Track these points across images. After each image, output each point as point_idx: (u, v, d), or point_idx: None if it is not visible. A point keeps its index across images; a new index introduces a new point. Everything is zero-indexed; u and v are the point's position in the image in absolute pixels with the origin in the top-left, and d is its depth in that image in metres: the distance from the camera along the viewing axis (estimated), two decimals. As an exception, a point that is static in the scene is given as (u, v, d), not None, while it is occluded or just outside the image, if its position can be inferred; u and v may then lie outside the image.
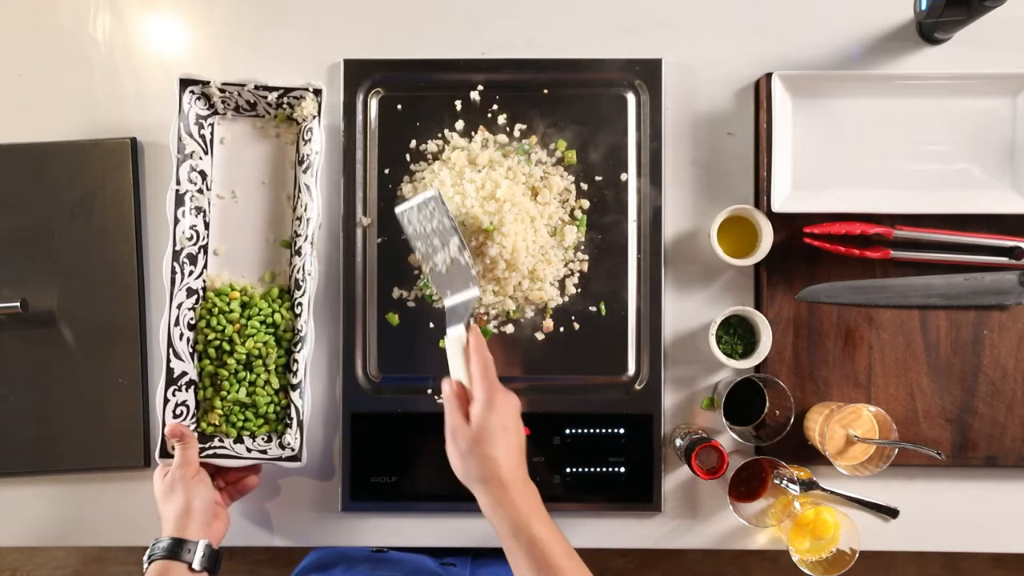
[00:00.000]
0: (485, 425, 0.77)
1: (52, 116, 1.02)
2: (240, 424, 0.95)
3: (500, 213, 0.93)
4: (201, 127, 0.98)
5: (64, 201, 0.99)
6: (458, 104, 0.99)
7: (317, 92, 0.95)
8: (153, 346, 0.99)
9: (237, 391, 0.95)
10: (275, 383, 0.95)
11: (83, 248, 0.99)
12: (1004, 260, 0.96)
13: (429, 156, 0.99)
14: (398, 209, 0.90)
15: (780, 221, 0.96)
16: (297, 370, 0.94)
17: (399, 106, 0.99)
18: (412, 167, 0.99)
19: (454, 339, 0.83)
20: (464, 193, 0.94)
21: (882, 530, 0.97)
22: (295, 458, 0.92)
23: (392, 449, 0.98)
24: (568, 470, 0.97)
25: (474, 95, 0.99)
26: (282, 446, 0.95)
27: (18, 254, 0.99)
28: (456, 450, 0.79)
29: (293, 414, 0.94)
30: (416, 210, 0.89)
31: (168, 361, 0.93)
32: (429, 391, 0.98)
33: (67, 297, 0.99)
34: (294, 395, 0.94)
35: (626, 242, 0.98)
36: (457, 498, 0.97)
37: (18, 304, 0.96)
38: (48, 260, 0.99)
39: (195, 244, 0.96)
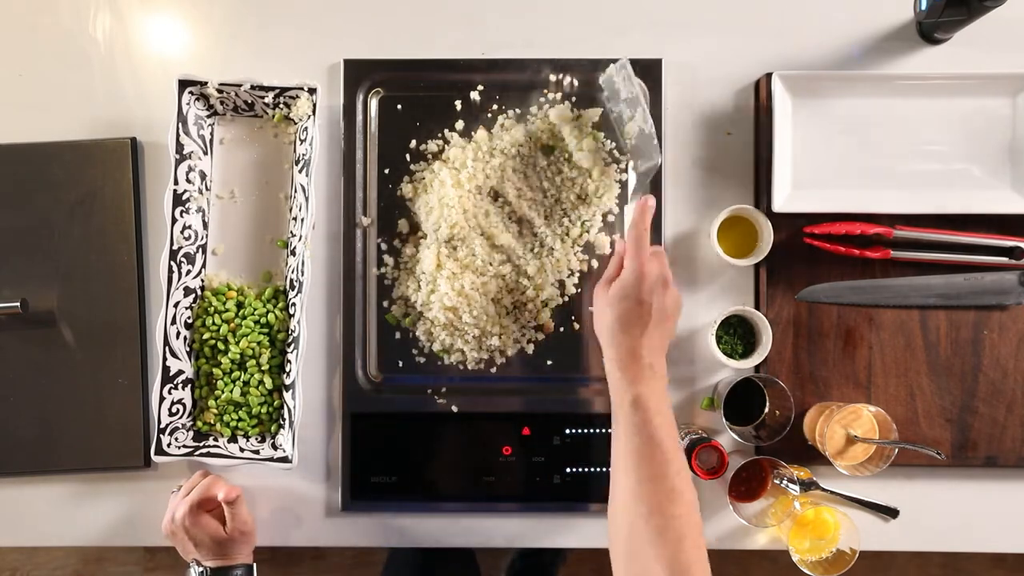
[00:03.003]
0: (626, 291, 0.81)
1: (52, 116, 1.02)
2: (234, 424, 0.96)
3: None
4: (200, 127, 0.98)
5: (64, 201, 0.99)
6: (458, 104, 0.99)
7: (312, 91, 0.95)
8: (153, 346, 0.99)
9: (231, 390, 0.95)
10: (268, 383, 0.95)
11: (83, 248, 0.99)
12: (1004, 260, 0.96)
13: (429, 156, 0.99)
14: (606, 74, 0.96)
15: (780, 221, 0.95)
16: (290, 370, 0.94)
17: (399, 106, 0.99)
18: (412, 167, 0.99)
19: (635, 203, 0.87)
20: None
21: (882, 530, 0.97)
22: (285, 459, 0.92)
23: (392, 449, 0.98)
24: (568, 470, 0.97)
25: (474, 95, 0.99)
26: (275, 447, 0.95)
27: (18, 254, 0.99)
28: (597, 302, 0.85)
29: (286, 415, 0.94)
30: (615, 74, 0.94)
31: (164, 359, 0.93)
32: (429, 391, 0.98)
33: (67, 297, 0.99)
34: (287, 396, 0.94)
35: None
36: (457, 498, 0.98)
37: (18, 304, 0.96)
38: (48, 260, 0.99)
39: (193, 244, 0.96)
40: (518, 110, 0.99)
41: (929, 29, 0.98)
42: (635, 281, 0.81)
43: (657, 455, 0.76)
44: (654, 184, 0.98)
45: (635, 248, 0.82)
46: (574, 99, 0.98)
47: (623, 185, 0.98)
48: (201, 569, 0.89)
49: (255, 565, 0.92)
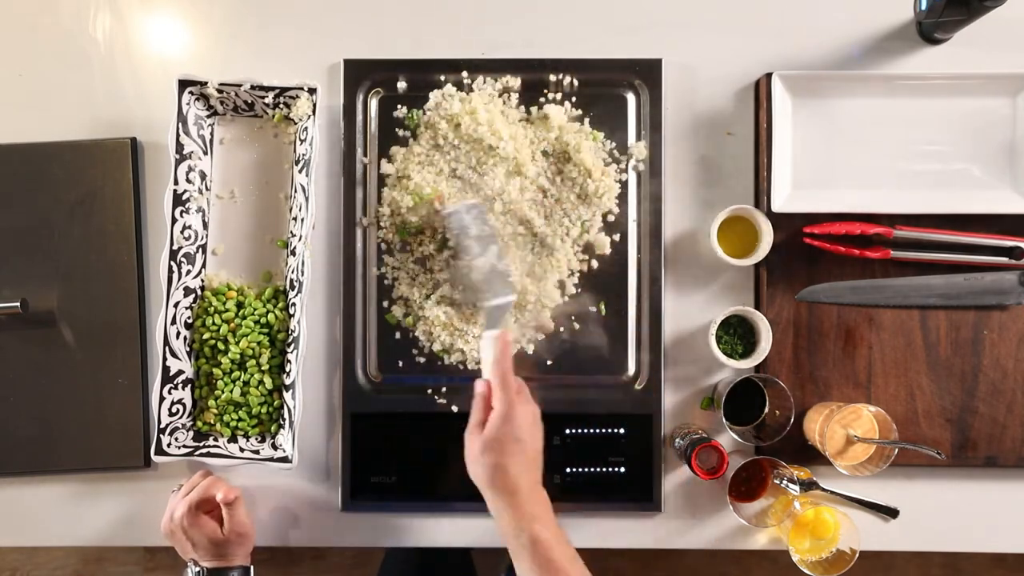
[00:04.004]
0: (498, 436, 0.80)
1: (52, 116, 1.02)
2: (234, 424, 0.96)
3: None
4: (200, 127, 0.98)
5: (64, 201, 0.99)
6: (457, 103, 0.99)
7: (312, 91, 0.95)
8: (153, 346, 0.99)
9: (231, 390, 0.95)
10: (268, 383, 0.95)
11: (83, 248, 0.99)
12: (1004, 260, 0.96)
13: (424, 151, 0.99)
14: (446, 210, 0.93)
15: (780, 221, 0.95)
16: (290, 370, 0.94)
17: (399, 106, 0.99)
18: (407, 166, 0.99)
19: (489, 340, 0.85)
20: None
21: (882, 530, 0.97)
22: (285, 459, 0.92)
23: (392, 449, 0.98)
24: (568, 470, 0.97)
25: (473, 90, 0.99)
26: (274, 447, 0.95)
27: (18, 254, 0.99)
28: (470, 451, 0.82)
29: (286, 415, 0.94)
30: (465, 212, 0.92)
31: (164, 359, 0.93)
32: (429, 391, 0.98)
33: (67, 297, 0.99)
34: (287, 396, 0.94)
35: (626, 242, 0.98)
36: (457, 498, 0.98)
37: (18, 304, 0.96)
38: (48, 260, 0.99)
39: (193, 244, 0.97)
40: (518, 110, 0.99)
41: (929, 29, 0.98)
42: (508, 422, 0.80)
43: None
44: (654, 173, 0.98)
45: (501, 388, 0.82)
46: (574, 99, 0.98)
47: (623, 185, 0.98)
48: (198, 569, 0.89)
49: (252, 567, 0.92)
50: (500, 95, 0.98)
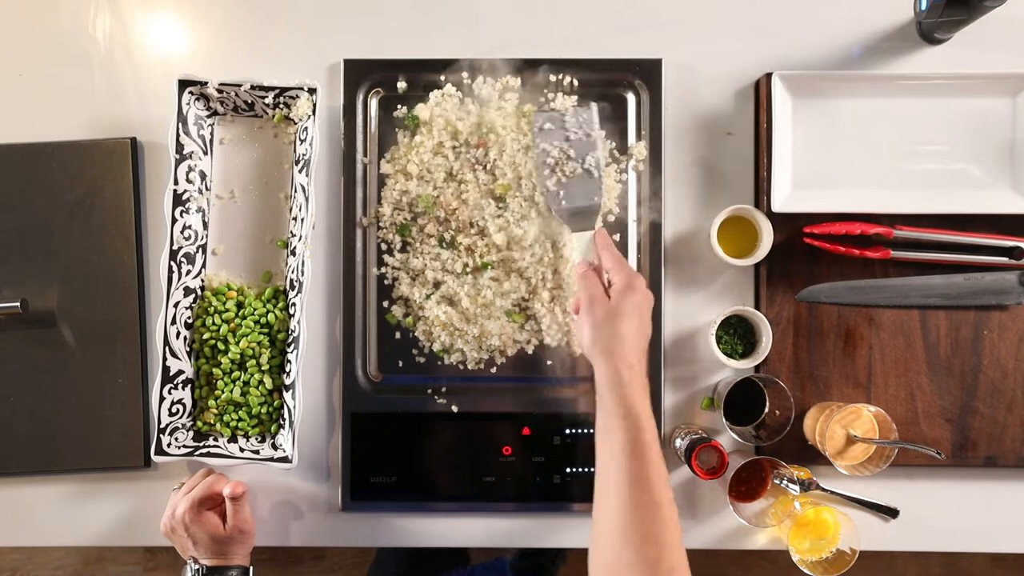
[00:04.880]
0: (623, 302, 0.81)
1: (52, 116, 1.02)
2: (234, 424, 0.96)
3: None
4: (201, 127, 0.98)
5: (64, 201, 0.99)
6: (457, 103, 0.99)
7: (312, 91, 0.95)
8: (153, 346, 0.99)
9: (231, 390, 0.95)
10: (268, 383, 0.95)
11: (83, 248, 0.99)
12: (1004, 260, 0.96)
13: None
14: (542, 112, 0.95)
15: (780, 221, 0.95)
16: (290, 370, 0.94)
17: (399, 106, 0.99)
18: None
19: (584, 239, 0.89)
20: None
21: (882, 530, 0.97)
22: (285, 459, 0.92)
23: (392, 449, 0.98)
24: (568, 470, 0.97)
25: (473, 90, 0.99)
26: (275, 447, 0.95)
27: (18, 254, 0.99)
28: (590, 319, 0.82)
29: (286, 415, 0.94)
30: (572, 114, 0.94)
31: (164, 359, 0.93)
32: (429, 391, 0.98)
33: (67, 297, 0.99)
34: (287, 396, 0.94)
35: (626, 242, 0.98)
36: (457, 498, 0.98)
37: (18, 304, 0.96)
38: (48, 260, 0.99)
39: (193, 244, 0.97)
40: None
41: (929, 29, 0.98)
42: (634, 292, 0.82)
43: (651, 476, 0.73)
44: (654, 173, 0.98)
45: (619, 263, 0.85)
46: (574, 99, 0.98)
47: (624, 185, 0.98)
48: (197, 567, 0.89)
49: (252, 568, 0.92)
50: (501, 94, 0.98)
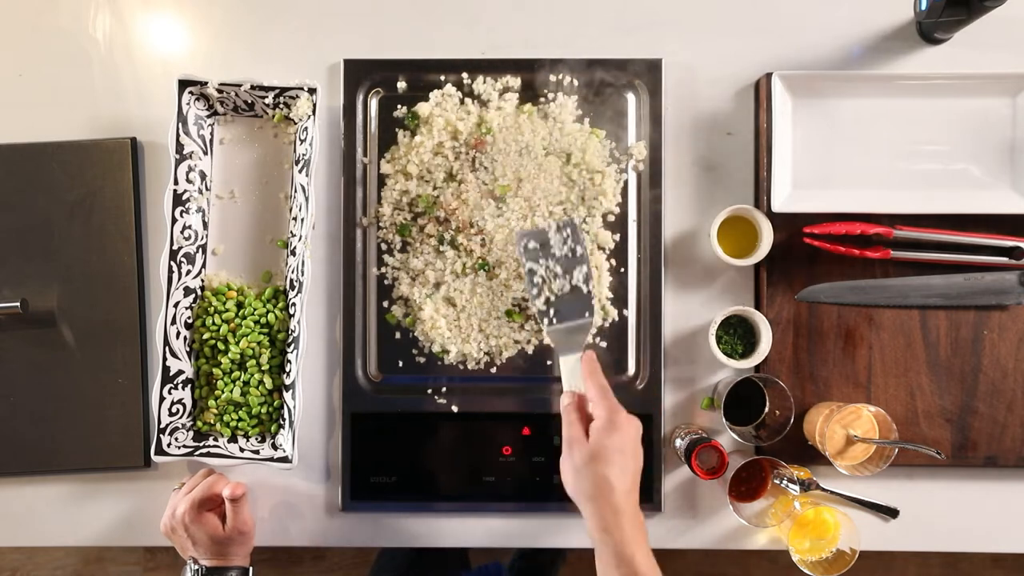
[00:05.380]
0: (605, 443, 0.76)
1: (52, 116, 1.02)
2: (234, 424, 0.96)
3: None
4: (200, 127, 0.98)
5: (64, 201, 0.99)
6: (457, 103, 0.99)
7: (312, 91, 0.95)
8: (153, 346, 0.99)
9: (231, 390, 0.95)
10: (268, 383, 0.95)
11: (83, 248, 0.99)
12: (1004, 260, 0.96)
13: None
14: (524, 232, 0.91)
15: (780, 221, 0.95)
16: (290, 370, 0.94)
17: (399, 106, 0.99)
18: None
19: (570, 363, 0.84)
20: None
21: (882, 530, 0.97)
22: (285, 459, 0.92)
23: (392, 449, 0.98)
24: (568, 470, 0.97)
25: (474, 92, 0.99)
26: (275, 447, 0.95)
27: (18, 254, 0.99)
28: (571, 464, 0.77)
29: (286, 415, 0.94)
30: (555, 230, 0.89)
31: (164, 359, 0.93)
32: (429, 391, 0.98)
33: (67, 297, 0.99)
34: (287, 396, 0.94)
35: (626, 242, 0.98)
36: (457, 498, 0.98)
37: (18, 304, 0.96)
38: (48, 260, 0.99)
39: (193, 244, 0.97)
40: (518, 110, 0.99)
41: (929, 29, 0.98)
42: (615, 430, 0.76)
43: None
44: (654, 173, 0.98)
45: (603, 397, 0.78)
46: (575, 99, 0.98)
47: (623, 185, 0.98)
48: (197, 567, 0.89)
49: (252, 568, 0.92)
50: (501, 94, 0.98)
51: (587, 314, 0.87)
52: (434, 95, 0.98)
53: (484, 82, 0.98)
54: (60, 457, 0.99)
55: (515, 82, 0.98)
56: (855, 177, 0.98)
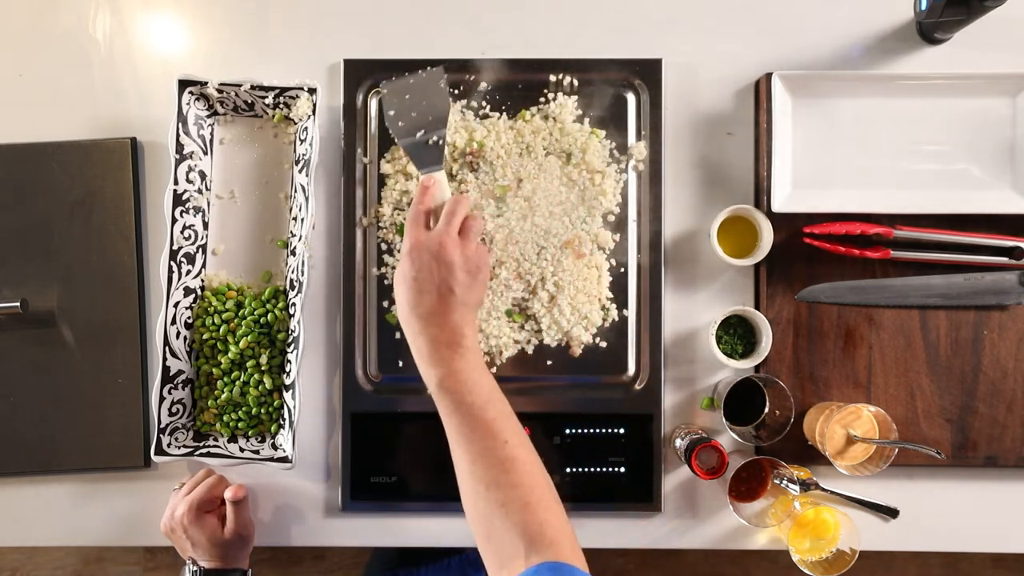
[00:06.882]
0: (402, 271, 0.80)
1: (52, 116, 1.02)
2: (233, 424, 0.96)
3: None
4: (200, 127, 0.98)
5: (64, 201, 0.99)
6: (458, 104, 0.99)
7: (312, 91, 0.95)
8: (153, 346, 0.99)
9: (230, 390, 0.95)
10: (268, 383, 0.95)
11: (83, 248, 0.99)
12: (1004, 260, 0.96)
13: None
14: (391, 83, 0.92)
15: (780, 221, 0.95)
16: (290, 370, 0.94)
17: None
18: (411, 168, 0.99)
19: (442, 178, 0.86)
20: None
21: (882, 530, 0.97)
22: (285, 459, 0.92)
23: (392, 449, 0.98)
24: (568, 470, 0.97)
25: (474, 94, 0.99)
26: (274, 447, 0.95)
27: (18, 254, 0.99)
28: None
29: (286, 415, 0.94)
30: (417, 79, 0.91)
31: (164, 359, 0.93)
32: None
33: (67, 297, 0.99)
34: (287, 396, 0.94)
35: (626, 242, 0.98)
36: (457, 498, 0.98)
37: (18, 304, 0.96)
38: (48, 260, 0.99)
39: (193, 244, 0.97)
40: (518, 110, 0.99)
41: (929, 29, 0.98)
42: (407, 259, 0.79)
43: (479, 429, 0.74)
44: (654, 173, 0.98)
45: (409, 224, 0.81)
46: (574, 99, 0.98)
47: (623, 185, 0.98)
48: (196, 569, 0.89)
49: (251, 570, 0.92)
50: (499, 97, 0.98)
51: (440, 166, 0.87)
52: None
53: (485, 97, 0.98)
54: (60, 457, 0.99)
55: (510, 95, 0.98)
56: (855, 177, 0.98)
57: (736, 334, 0.97)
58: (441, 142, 0.88)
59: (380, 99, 0.92)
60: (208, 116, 0.99)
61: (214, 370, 0.96)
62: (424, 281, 0.78)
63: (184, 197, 0.96)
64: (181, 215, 0.95)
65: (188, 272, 0.96)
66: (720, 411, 0.92)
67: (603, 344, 0.97)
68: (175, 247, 0.95)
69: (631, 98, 0.99)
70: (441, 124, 0.88)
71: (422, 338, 0.77)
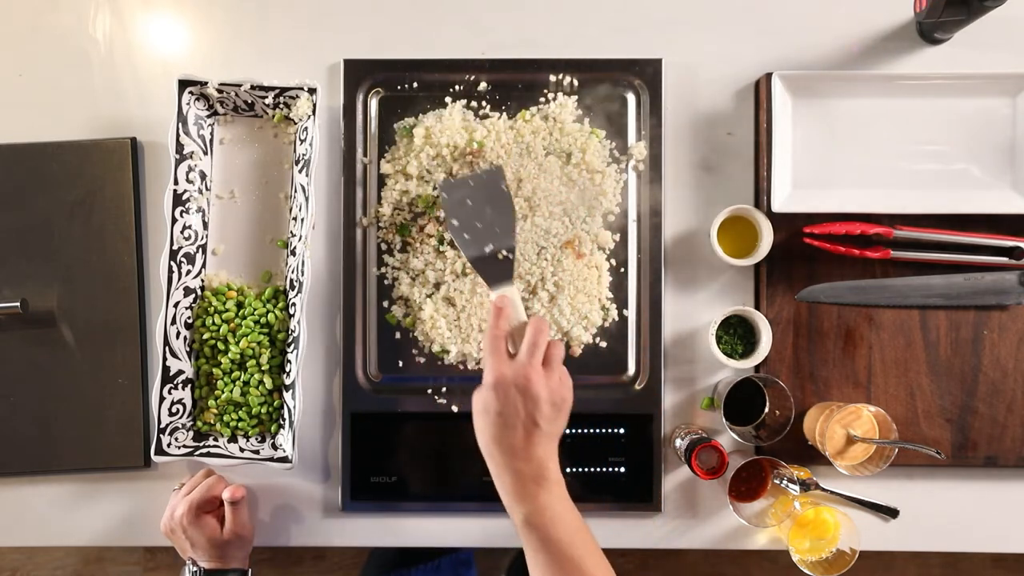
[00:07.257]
0: (487, 402, 0.76)
1: (52, 116, 1.02)
2: (234, 424, 0.96)
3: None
4: (200, 127, 0.98)
5: (64, 201, 0.99)
6: (458, 104, 0.99)
7: (312, 91, 0.95)
8: (153, 346, 0.99)
9: (231, 390, 0.95)
10: (268, 383, 0.95)
11: (83, 248, 0.99)
12: (1004, 260, 0.96)
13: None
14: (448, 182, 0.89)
15: (780, 221, 0.95)
16: (290, 370, 0.94)
17: (398, 111, 0.99)
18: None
19: (513, 294, 0.82)
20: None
21: (882, 530, 0.97)
22: (285, 459, 0.92)
23: (392, 449, 0.98)
24: (568, 470, 0.97)
25: (474, 95, 0.99)
26: (274, 447, 0.95)
27: (18, 254, 0.99)
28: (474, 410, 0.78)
29: (286, 415, 0.94)
30: (476, 181, 0.87)
31: (164, 359, 0.93)
32: (429, 391, 0.98)
33: (67, 297, 0.99)
34: (287, 396, 0.94)
35: (626, 242, 0.98)
36: (457, 498, 0.98)
37: (18, 304, 0.96)
38: (48, 260, 0.99)
39: (193, 244, 0.97)
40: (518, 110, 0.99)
41: (929, 29, 0.98)
42: (491, 392, 0.75)
43: (567, 568, 0.71)
44: (654, 173, 0.98)
45: (488, 353, 0.77)
46: (574, 99, 0.99)
47: (623, 185, 0.98)
48: (195, 569, 0.89)
49: (251, 570, 0.92)
50: (499, 99, 0.98)
51: (510, 281, 0.83)
52: (432, 115, 0.98)
53: (485, 99, 0.98)
54: (60, 457, 0.99)
55: (509, 96, 0.98)
56: (855, 177, 0.98)
57: (736, 334, 0.97)
58: (511, 255, 0.84)
59: (440, 205, 0.88)
60: (208, 116, 0.99)
61: (214, 370, 0.96)
62: (510, 416, 0.75)
63: (184, 197, 0.96)
64: (181, 215, 0.95)
65: (188, 272, 0.96)
66: (720, 411, 0.92)
67: (603, 344, 0.97)
68: (175, 247, 0.95)
69: (631, 98, 0.99)
70: (509, 235, 0.85)
71: (507, 473, 0.75)
